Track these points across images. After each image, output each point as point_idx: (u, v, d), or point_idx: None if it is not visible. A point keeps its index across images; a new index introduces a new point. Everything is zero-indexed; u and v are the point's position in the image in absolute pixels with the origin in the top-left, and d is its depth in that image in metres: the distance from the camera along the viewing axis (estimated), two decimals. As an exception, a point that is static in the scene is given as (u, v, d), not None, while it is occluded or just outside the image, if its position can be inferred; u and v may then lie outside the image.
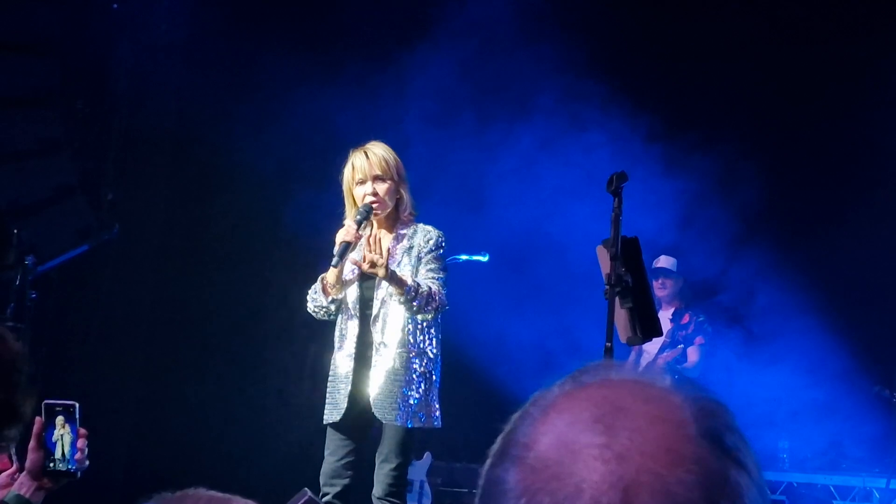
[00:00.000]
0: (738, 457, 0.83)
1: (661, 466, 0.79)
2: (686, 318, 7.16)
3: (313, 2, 7.99)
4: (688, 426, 0.82)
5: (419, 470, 7.31)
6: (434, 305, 4.65)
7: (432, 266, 4.74)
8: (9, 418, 2.28)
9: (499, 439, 0.87)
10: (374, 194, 4.73)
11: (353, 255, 4.78)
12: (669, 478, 0.79)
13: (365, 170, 4.73)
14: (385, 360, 4.69)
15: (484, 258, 6.89)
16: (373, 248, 4.61)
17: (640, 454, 0.79)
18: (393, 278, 4.60)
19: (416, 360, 4.71)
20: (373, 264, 4.57)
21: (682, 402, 0.83)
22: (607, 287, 4.07)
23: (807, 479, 7.54)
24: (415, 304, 4.61)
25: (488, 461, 0.86)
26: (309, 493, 3.90)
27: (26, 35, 7.09)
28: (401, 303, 4.64)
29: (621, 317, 4.12)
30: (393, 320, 4.71)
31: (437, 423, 4.78)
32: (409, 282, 4.63)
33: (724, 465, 0.81)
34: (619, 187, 4.10)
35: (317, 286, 4.83)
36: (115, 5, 7.54)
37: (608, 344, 4.10)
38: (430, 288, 4.64)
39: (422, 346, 4.73)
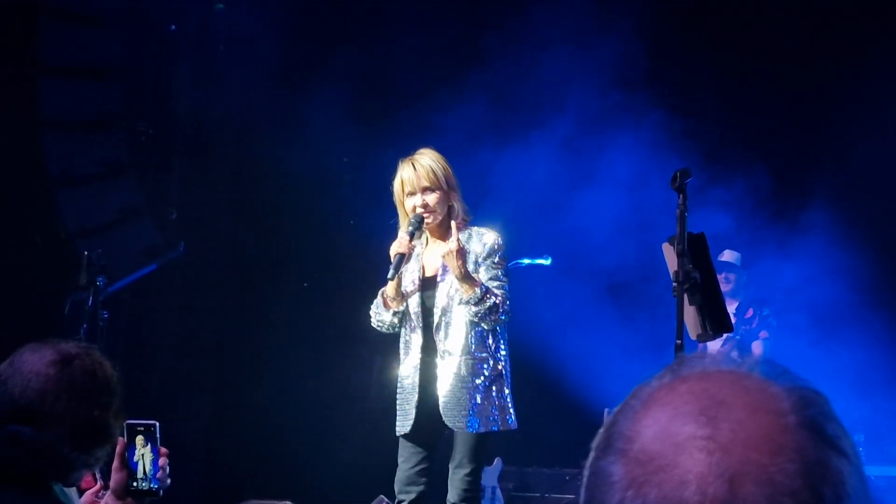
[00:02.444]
0: (839, 444, 0.84)
1: (763, 456, 0.81)
2: (750, 313, 7.08)
3: (367, 17, 8.02)
4: (787, 416, 0.83)
5: (490, 475, 7.30)
6: (496, 317, 4.62)
7: (493, 273, 4.70)
8: (102, 439, 2.37)
9: (601, 432, 0.88)
10: (424, 206, 4.72)
11: (412, 266, 4.80)
12: (772, 467, 0.80)
13: (413, 182, 4.72)
14: (451, 368, 4.69)
15: (546, 261, 6.86)
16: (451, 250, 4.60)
17: (743, 445, 0.81)
18: (466, 277, 4.60)
19: (483, 365, 4.70)
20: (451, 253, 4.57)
21: (780, 392, 0.85)
22: (675, 284, 4.05)
23: (885, 471, 7.42)
24: (477, 308, 4.59)
25: (591, 454, 0.88)
26: (385, 500, 3.93)
27: (89, 60, 7.24)
28: (464, 303, 4.62)
29: (690, 313, 4.10)
30: (455, 328, 4.70)
31: (513, 425, 4.76)
32: (479, 285, 4.62)
33: (824, 453, 0.82)
34: (683, 184, 4.07)
35: (378, 301, 4.85)
36: (173, 27, 7.66)
37: (678, 341, 4.07)
38: (494, 299, 4.61)
39: (488, 350, 4.71)
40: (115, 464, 2.50)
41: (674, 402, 0.85)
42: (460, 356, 4.68)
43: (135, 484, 2.53)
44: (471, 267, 4.68)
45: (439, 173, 4.73)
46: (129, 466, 2.53)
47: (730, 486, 0.80)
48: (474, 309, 4.60)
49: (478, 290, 4.58)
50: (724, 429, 0.82)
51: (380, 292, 4.83)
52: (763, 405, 0.83)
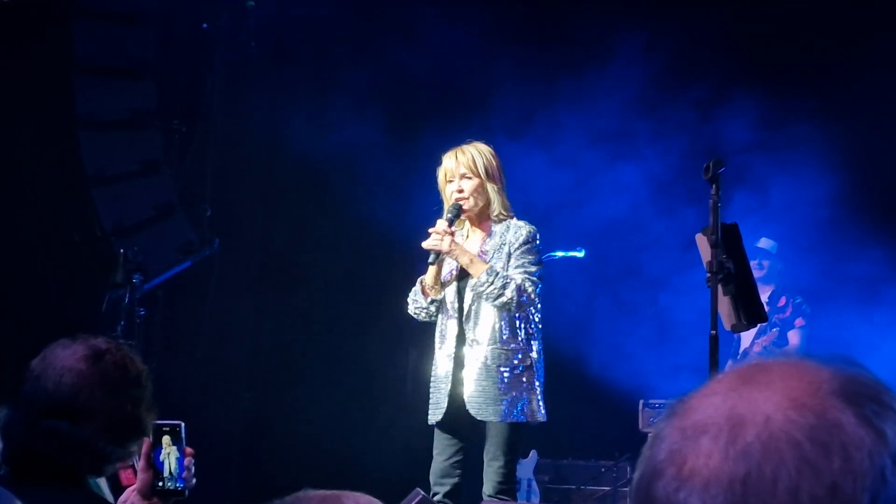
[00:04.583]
0: (875, 422, 0.82)
1: (774, 408, 0.82)
2: (783, 301, 7.03)
3: (400, 14, 8.03)
4: (822, 385, 0.83)
5: (526, 468, 7.31)
6: (508, 299, 4.63)
7: (522, 260, 4.73)
8: (135, 433, 2.41)
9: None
10: (460, 191, 4.79)
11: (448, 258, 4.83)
12: (777, 415, 0.81)
13: (452, 169, 4.81)
14: (478, 357, 4.71)
15: (580, 254, 6.85)
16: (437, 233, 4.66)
17: (764, 399, 0.83)
18: (473, 262, 4.65)
19: (511, 356, 4.71)
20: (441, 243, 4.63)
21: (828, 373, 0.85)
22: (709, 274, 4.04)
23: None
24: (487, 290, 4.62)
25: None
26: (422, 492, 3.95)
27: (123, 59, 7.31)
28: (474, 288, 4.67)
29: (725, 304, 4.09)
30: (484, 317, 4.72)
31: (542, 418, 4.76)
32: (486, 269, 4.65)
33: (847, 420, 0.81)
34: (716, 174, 4.06)
35: (416, 288, 4.89)
36: (205, 25, 7.71)
37: (713, 332, 4.06)
38: (512, 280, 4.64)
39: (518, 341, 4.72)
40: (141, 464, 2.52)
41: (726, 375, 0.89)
42: (487, 346, 4.70)
43: (160, 484, 2.55)
44: (504, 257, 4.72)
45: (479, 162, 4.80)
46: (155, 466, 2.55)
47: (731, 426, 0.82)
48: (482, 290, 4.64)
49: (483, 274, 4.64)
50: (751, 386, 0.84)
51: (419, 279, 4.87)
52: (801, 374, 0.84)
